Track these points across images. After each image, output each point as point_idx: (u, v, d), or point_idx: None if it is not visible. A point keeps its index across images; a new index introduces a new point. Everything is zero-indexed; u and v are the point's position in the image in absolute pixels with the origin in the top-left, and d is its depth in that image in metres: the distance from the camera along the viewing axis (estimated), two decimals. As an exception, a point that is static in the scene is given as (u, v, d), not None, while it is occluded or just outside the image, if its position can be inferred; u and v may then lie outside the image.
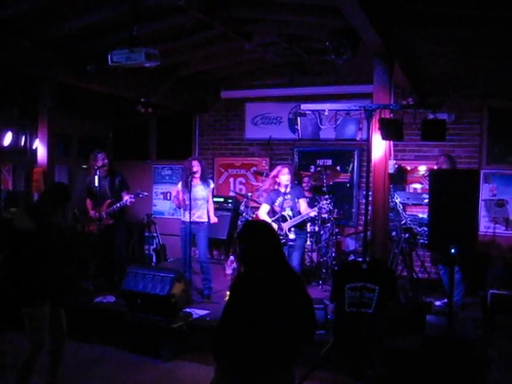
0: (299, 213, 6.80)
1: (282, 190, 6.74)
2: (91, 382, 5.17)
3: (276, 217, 6.77)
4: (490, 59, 6.72)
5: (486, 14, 5.08)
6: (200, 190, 7.02)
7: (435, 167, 6.86)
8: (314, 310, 3.18)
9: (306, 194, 7.75)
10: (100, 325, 6.32)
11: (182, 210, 7.09)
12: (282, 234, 6.62)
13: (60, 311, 4.62)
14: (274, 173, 6.91)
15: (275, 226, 6.67)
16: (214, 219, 7.24)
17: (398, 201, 7.00)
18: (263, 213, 6.91)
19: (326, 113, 6.17)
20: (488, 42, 6.04)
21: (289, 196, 6.75)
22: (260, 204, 7.46)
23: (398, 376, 5.05)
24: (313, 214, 6.89)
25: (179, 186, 7.15)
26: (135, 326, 5.91)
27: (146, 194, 7.42)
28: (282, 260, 3.14)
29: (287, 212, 6.76)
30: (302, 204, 6.85)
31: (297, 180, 7.92)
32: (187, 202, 6.83)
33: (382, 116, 5.53)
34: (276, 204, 6.86)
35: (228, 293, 3.26)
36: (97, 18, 5.86)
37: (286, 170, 6.76)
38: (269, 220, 6.72)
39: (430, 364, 4.86)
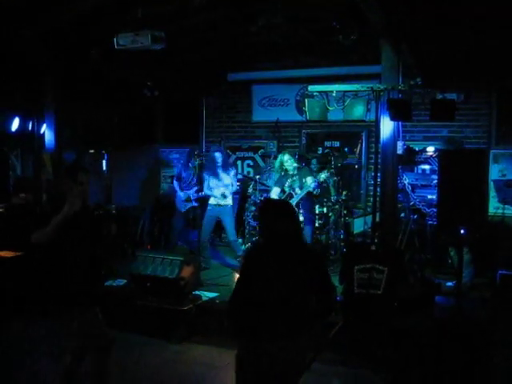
0: None
1: (290, 172, 7.10)
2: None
3: (284, 196, 7.08)
4: (498, 39, 6.62)
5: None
6: (222, 178, 7.54)
7: None
8: (333, 290, 3.25)
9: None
10: (110, 308, 6.35)
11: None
12: None
13: None
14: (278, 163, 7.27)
15: None
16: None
17: (406, 182, 6.99)
18: (274, 195, 7.21)
19: (334, 94, 6.13)
20: (496, 21, 5.95)
21: (297, 177, 7.05)
22: (268, 186, 7.83)
23: (407, 356, 5.07)
24: (310, 182, 6.91)
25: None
26: (145, 308, 5.94)
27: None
28: (298, 237, 3.26)
29: (296, 191, 7.00)
30: (309, 180, 7.00)
31: (304, 162, 8.00)
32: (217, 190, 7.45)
33: (391, 96, 5.50)
34: (285, 186, 7.16)
35: (242, 260, 3.38)
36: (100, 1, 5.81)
37: (285, 157, 7.11)
38: None
39: (439, 344, 4.87)
